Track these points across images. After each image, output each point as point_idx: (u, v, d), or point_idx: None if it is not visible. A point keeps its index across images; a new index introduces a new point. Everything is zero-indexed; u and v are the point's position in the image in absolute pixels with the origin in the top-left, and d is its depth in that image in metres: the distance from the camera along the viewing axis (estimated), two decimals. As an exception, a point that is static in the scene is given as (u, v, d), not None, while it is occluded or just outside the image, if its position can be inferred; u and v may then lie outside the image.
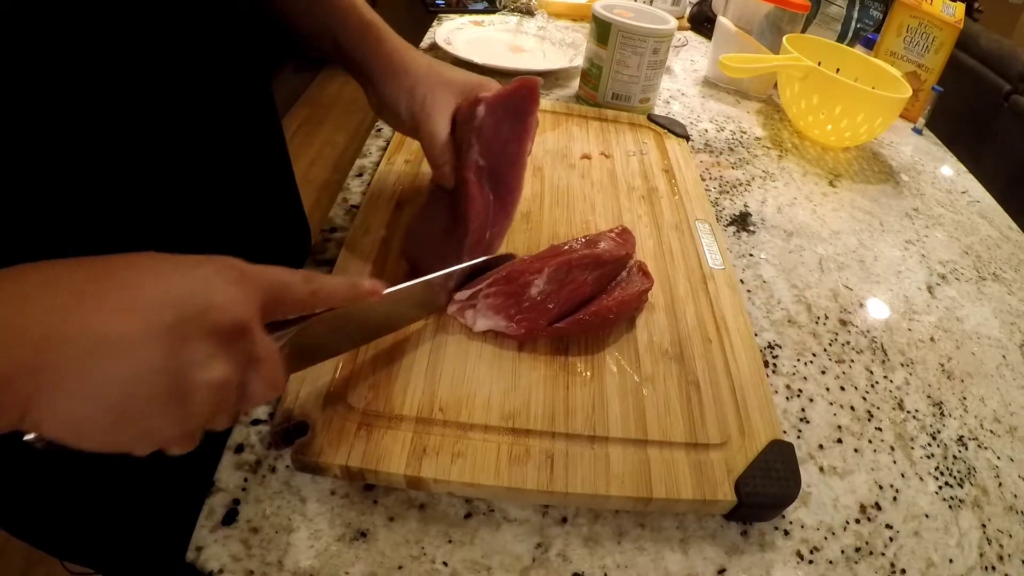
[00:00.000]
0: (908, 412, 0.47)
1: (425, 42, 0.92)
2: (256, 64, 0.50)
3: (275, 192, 0.60)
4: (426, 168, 0.57)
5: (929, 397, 0.49)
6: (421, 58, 0.47)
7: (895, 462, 0.43)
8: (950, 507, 0.41)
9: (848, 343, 0.52)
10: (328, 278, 0.31)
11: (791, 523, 0.38)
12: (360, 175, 0.59)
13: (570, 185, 0.59)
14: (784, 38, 0.82)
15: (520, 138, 0.46)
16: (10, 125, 0.33)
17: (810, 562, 0.36)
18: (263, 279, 0.28)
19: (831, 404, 0.46)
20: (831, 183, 0.74)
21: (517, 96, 0.45)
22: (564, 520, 0.36)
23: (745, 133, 0.81)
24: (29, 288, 0.23)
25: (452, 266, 0.42)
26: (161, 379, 0.23)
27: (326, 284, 0.31)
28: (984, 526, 0.40)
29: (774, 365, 0.48)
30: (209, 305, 0.25)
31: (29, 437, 0.24)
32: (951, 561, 0.38)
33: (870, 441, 0.44)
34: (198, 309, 0.24)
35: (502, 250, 0.49)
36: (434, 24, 0.97)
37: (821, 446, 0.43)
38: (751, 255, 0.59)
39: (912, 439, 0.45)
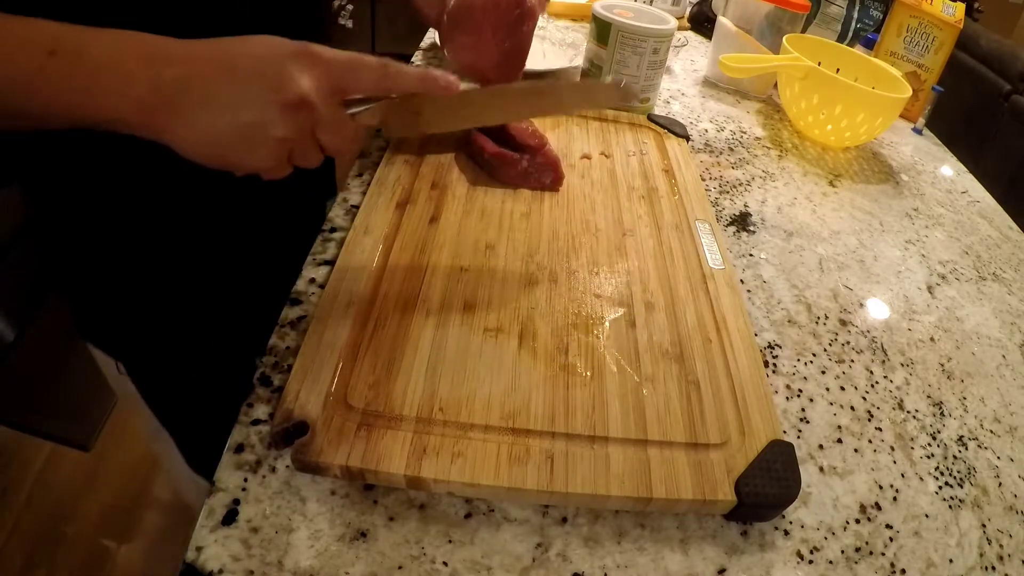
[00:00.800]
0: (908, 412, 0.47)
1: (425, 42, 0.92)
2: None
3: None
4: (426, 169, 0.57)
5: (929, 397, 0.49)
6: None
7: (895, 462, 0.43)
8: (950, 507, 0.41)
9: (848, 343, 0.52)
10: (404, 68, 0.37)
11: (791, 523, 0.38)
12: (360, 175, 0.59)
13: (570, 185, 0.59)
14: (784, 38, 0.82)
15: None
16: None
17: (810, 562, 0.36)
18: (336, 62, 0.35)
19: (831, 404, 0.46)
20: (831, 183, 0.74)
21: None
22: (564, 520, 0.36)
23: (745, 133, 0.81)
24: (165, 46, 0.34)
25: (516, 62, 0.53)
26: (247, 129, 0.34)
27: (401, 69, 0.37)
28: (984, 526, 0.40)
29: (774, 365, 0.48)
30: (280, 83, 0.34)
31: None
32: (951, 561, 0.38)
33: (870, 441, 0.44)
34: (272, 85, 0.34)
35: (504, 245, 0.49)
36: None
37: (821, 446, 0.43)
38: (751, 255, 0.59)
39: (912, 439, 0.45)
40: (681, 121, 0.75)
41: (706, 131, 0.80)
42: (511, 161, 0.56)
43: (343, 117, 0.37)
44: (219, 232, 0.57)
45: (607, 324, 0.45)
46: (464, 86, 0.40)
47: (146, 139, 0.34)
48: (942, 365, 0.52)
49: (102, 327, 0.62)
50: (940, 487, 0.42)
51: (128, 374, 0.64)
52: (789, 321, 0.53)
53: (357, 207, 0.53)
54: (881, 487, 0.41)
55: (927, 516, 0.40)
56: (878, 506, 0.40)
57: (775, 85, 0.91)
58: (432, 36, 0.91)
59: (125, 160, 0.47)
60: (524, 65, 0.57)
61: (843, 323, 0.54)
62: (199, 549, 0.32)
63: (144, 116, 0.33)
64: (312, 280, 0.47)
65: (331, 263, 0.47)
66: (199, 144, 0.34)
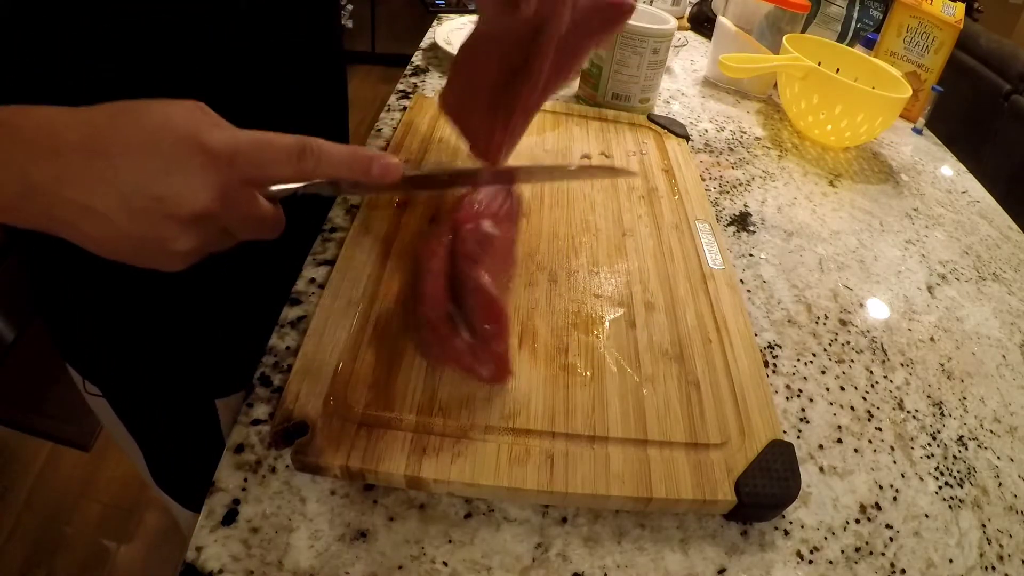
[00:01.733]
0: (908, 412, 0.47)
1: (425, 42, 0.92)
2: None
3: (328, 106, 0.62)
4: (426, 168, 0.57)
5: (929, 397, 0.49)
6: None
7: (895, 462, 0.43)
8: (950, 507, 0.41)
9: (848, 343, 0.52)
10: (328, 151, 0.30)
11: (791, 523, 0.38)
12: (360, 175, 0.59)
13: (570, 185, 0.59)
14: (784, 38, 0.82)
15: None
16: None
17: (810, 562, 0.36)
18: (238, 156, 0.29)
19: (831, 404, 0.46)
20: (831, 183, 0.74)
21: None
22: (564, 520, 0.36)
23: (745, 133, 0.81)
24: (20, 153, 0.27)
25: (502, 122, 0.43)
26: (141, 243, 0.29)
27: (323, 151, 0.30)
28: (984, 526, 0.40)
29: (774, 365, 0.48)
30: (167, 197, 0.28)
31: None
32: (951, 561, 0.38)
33: (870, 441, 0.44)
34: (159, 199, 0.28)
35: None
36: (434, 24, 0.97)
37: (821, 446, 0.43)
38: (751, 255, 0.59)
39: (912, 439, 0.45)
40: (681, 121, 0.75)
41: (706, 131, 0.80)
42: (445, 338, 0.38)
43: (257, 208, 0.31)
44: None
45: (607, 324, 0.45)
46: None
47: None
48: (942, 365, 0.52)
49: (80, 348, 0.60)
50: (940, 487, 0.42)
51: (104, 396, 0.62)
52: (789, 321, 0.53)
53: (357, 207, 0.53)
54: (881, 487, 0.41)
55: (927, 516, 0.40)
56: (878, 506, 0.40)
57: (775, 85, 0.91)
58: (432, 36, 0.91)
59: None
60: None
61: (843, 323, 0.54)
62: (199, 549, 0.32)
63: (28, 224, 0.28)
64: (312, 280, 0.47)
65: (331, 263, 0.47)
66: (95, 249, 0.29)
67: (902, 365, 0.51)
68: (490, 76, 0.44)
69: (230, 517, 0.33)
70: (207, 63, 0.43)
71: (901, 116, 0.85)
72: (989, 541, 0.40)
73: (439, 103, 0.46)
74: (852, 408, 0.46)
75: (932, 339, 0.54)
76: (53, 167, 0.27)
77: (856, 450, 0.43)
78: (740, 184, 0.70)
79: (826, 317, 0.54)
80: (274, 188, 0.32)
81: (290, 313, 0.44)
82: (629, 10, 0.44)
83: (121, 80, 0.39)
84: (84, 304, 0.54)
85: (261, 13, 0.45)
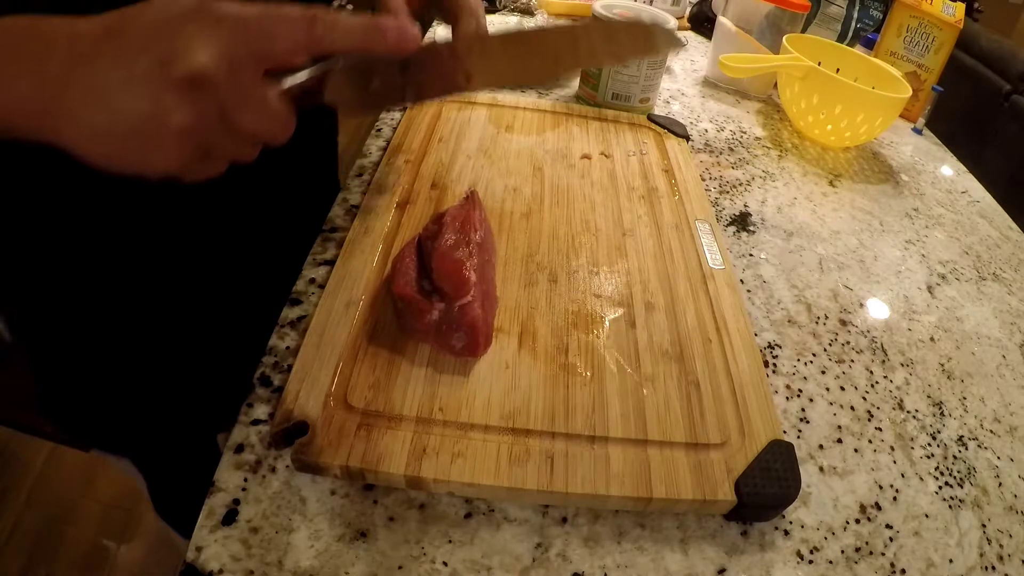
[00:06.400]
0: (908, 412, 0.47)
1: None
2: None
3: (318, 138, 0.65)
4: (426, 169, 0.57)
5: (929, 397, 0.49)
6: None
7: (895, 462, 0.43)
8: (950, 507, 0.41)
9: (848, 343, 0.52)
10: (341, 19, 0.28)
11: (791, 523, 0.38)
12: (360, 175, 0.59)
13: (570, 185, 0.59)
14: (784, 38, 0.82)
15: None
16: None
17: (810, 562, 0.36)
18: (243, 20, 0.27)
19: (831, 404, 0.46)
20: (831, 183, 0.74)
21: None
22: (564, 520, 0.36)
23: (745, 133, 0.81)
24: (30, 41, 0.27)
25: None
26: (138, 121, 0.27)
27: (335, 21, 0.28)
28: (984, 526, 0.40)
29: (774, 365, 0.48)
30: (169, 57, 0.26)
31: None
32: (951, 561, 0.38)
33: (870, 441, 0.44)
34: (160, 60, 0.26)
35: (504, 245, 0.49)
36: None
37: (821, 446, 0.43)
38: (751, 255, 0.59)
39: (912, 439, 0.45)
40: (681, 121, 0.75)
41: (706, 131, 0.80)
42: (418, 310, 0.40)
43: (259, 93, 0.28)
44: (211, 251, 0.54)
45: (607, 324, 0.45)
46: (439, 36, 0.32)
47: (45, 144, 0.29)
48: (942, 365, 0.52)
49: (79, 414, 0.61)
50: (940, 487, 0.42)
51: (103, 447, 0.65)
52: (789, 321, 0.52)
53: (357, 207, 0.53)
54: (881, 487, 0.41)
55: (927, 516, 0.40)
56: (878, 506, 0.40)
57: (775, 85, 0.91)
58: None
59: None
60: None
61: (843, 323, 0.54)
62: (199, 549, 0.32)
63: (29, 120, 0.27)
64: (312, 280, 0.47)
65: (331, 263, 0.47)
66: (90, 145, 0.28)
67: (902, 365, 0.51)
68: None
69: (230, 517, 0.33)
70: None
71: (901, 116, 0.85)
72: (989, 541, 0.40)
73: None
74: (852, 408, 0.46)
75: (932, 339, 0.54)
76: (69, 53, 0.26)
77: (856, 450, 0.43)
78: (740, 184, 0.70)
79: (826, 317, 0.54)
80: (286, 83, 0.30)
81: (290, 313, 0.44)
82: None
83: None
84: (85, 372, 0.56)
85: None
